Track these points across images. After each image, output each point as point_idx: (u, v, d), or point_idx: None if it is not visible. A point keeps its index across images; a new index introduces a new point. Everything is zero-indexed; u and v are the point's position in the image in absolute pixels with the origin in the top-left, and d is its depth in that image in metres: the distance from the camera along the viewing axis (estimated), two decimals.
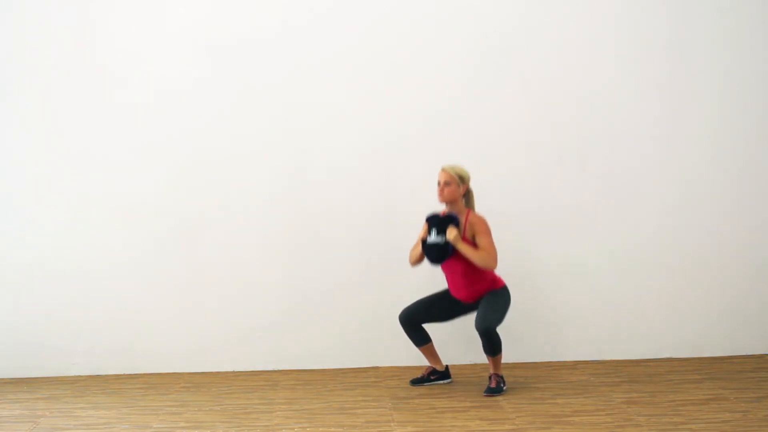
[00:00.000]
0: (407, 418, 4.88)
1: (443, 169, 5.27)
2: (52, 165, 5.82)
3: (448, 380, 5.55)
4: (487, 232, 5.22)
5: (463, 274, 5.28)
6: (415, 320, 5.42)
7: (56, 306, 5.85)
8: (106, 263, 5.85)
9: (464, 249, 5.17)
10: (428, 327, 5.52)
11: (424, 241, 5.29)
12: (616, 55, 5.88)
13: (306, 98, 5.83)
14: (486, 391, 5.23)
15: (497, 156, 5.85)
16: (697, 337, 5.98)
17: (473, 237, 5.24)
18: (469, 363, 5.90)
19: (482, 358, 5.73)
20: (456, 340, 5.76)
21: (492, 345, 5.20)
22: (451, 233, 5.17)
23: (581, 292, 5.94)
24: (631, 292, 5.95)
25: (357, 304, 5.91)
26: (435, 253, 5.25)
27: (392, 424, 4.78)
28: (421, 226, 5.67)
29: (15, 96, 5.80)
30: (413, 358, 5.85)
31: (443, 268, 5.37)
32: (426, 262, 5.35)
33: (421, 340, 5.47)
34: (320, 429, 4.73)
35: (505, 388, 5.28)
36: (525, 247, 5.89)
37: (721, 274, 5.97)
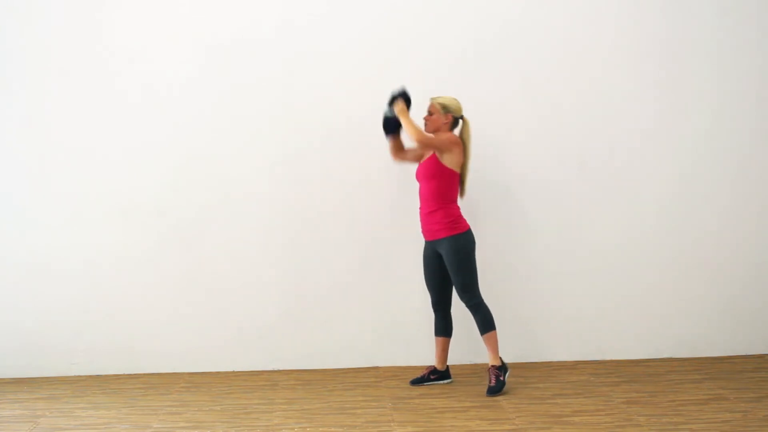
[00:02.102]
0: (407, 418, 4.88)
1: (431, 99, 5.38)
2: (51, 164, 5.81)
3: (448, 380, 5.55)
4: (445, 137, 5.27)
5: (425, 199, 5.32)
6: (440, 306, 5.45)
7: (56, 306, 5.85)
8: (106, 263, 5.85)
9: (404, 119, 5.27)
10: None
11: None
12: (615, 54, 5.87)
13: (306, 96, 5.82)
14: (488, 392, 5.22)
15: (496, 155, 5.84)
16: (697, 337, 5.98)
17: (441, 155, 5.28)
18: (469, 363, 5.90)
19: (482, 358, 5.73)
20: (456, 340, 5.75)
21: (481, 318, 5.25)
22: (397, 105, 5.31)
23: (581, 291, 5.94)
24: (631, 291, 5.95)
25: (357, 304, 5.91)
26: (384, 124, 5.40)
27: (392, 424, 4.78)
28: (419, 227, 5.68)
29: (14, 95, 5.79)
30: (413, 358, 5.85)
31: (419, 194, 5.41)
32: (386, 138, 5.48)
33: (441, 330, 5.49)
34: (320, 429, 4.73)
35: (504, 379, 5.26)
36: (524, 246, 5.88)
37: (720, 273, 5.97)
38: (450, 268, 5.28)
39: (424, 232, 5.39)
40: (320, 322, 5.91)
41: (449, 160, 5.25)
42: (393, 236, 5.86)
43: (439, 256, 5.37)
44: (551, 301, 5.93)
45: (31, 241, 5.83)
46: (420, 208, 5.40)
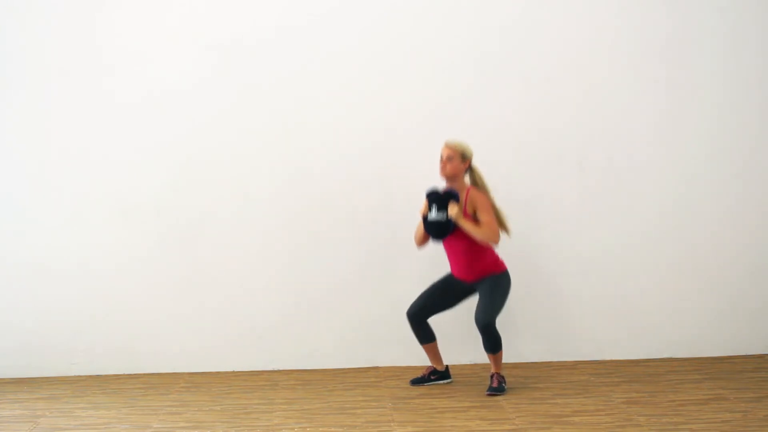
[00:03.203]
0: (407, 418, 4.88)
1: (446, 144, 5.27)
2: (51, 164, 5.81)
3: (448, 380, 5.55)
4: (488, 207, 5.21)
5: (465, 252, 5.26)
6: (422, 315, 5.41)
7: (56, 306, 5.85)
8: (106, 263, 5.85)
9: (466, 225, 5.15)
10: (435, 324, 5.49)
11: (425, 218, 5.27)
12: (616, 54, 5.87)
13: (305, 98, 5.83)
14: (488, 391, 5.23)
15: (496, 155, 5.83)
16: (697, 337, 5.98)
17: (474, 213, 5.22)
18: (469, 363, 5.90)
19: (483, 358, 5.73)
20: (456, 340, 5.76)
21: (491, 342, 5.21)
22: (453, 209, 5.15)
23: (581, 292, 5.94)
24: (631, 291, 5.95)
25: (357, 304, 5.91)
26: (436, 230, 5.23)
27: (392, 424, 4.78)
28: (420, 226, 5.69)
29: (14, 95, 5.79)
30: (413, 358, 5.85)
31: (445, 246, 5.35)
32: (431, 241, 5.34)
33: (425, 337, 5.47)
34: (320, 429, 4.73)
35: (505, 386, 5.28)
36: (524, 246, 5.88)
37: (721, 274, 5.97)
38: (484, 295, 5.24)
39: (465, 276, 5.32)
40: (320, 322, 5.91)
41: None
42: (393, 236, 5.86)
43: (470, 290, 5.37)
44: (551, 301, 5.93)
45: (31, 241, 5.83)
46: (453, 260, 5.33)
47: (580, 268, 5.93)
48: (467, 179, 5.35)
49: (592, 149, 5.89)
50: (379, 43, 5.83)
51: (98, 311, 5.86)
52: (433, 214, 5.22)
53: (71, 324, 5.86)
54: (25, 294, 5.84)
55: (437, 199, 5.22)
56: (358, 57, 5.83)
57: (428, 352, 5.51)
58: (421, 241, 5.41)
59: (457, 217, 5.15)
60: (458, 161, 5.24)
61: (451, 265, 5.41)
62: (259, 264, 5.89)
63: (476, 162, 5.38)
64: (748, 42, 5.89)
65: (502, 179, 5.84)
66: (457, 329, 5.72)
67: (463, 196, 5.25)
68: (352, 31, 5.82)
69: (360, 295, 5.90)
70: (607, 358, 5.96)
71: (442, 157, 5.27)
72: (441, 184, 5.38)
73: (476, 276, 5.30)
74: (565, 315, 5.94)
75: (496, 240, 5.17)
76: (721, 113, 5.92)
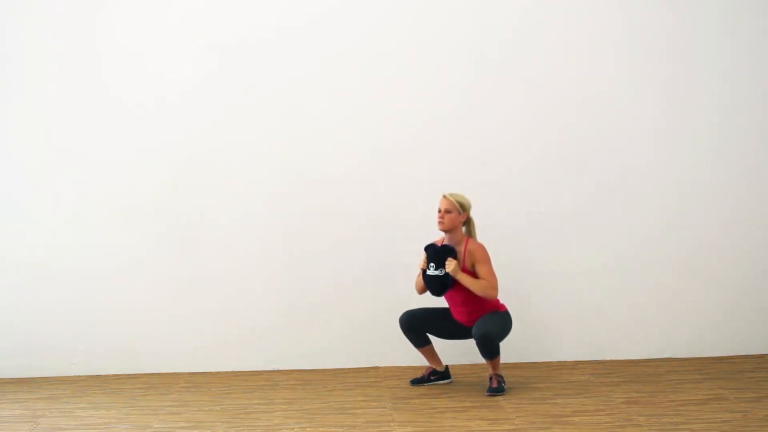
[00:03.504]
0: (407, 418, 4.88)
1: (444, 196, 5.25)
2: (51, 164, 5.81)
3: (448, 380, 5.55)
4: (487, 260, 5.22)
5: (464, 303, 5.29)
6: (416, 325, 5.42)
7: (56, 306, 5.85)
8: (106, 263, 5.85)
9: (464, 280, 5.16)
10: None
11: (424, 272, 5.31)
12: (617, 56, 5.87)
13: (306, 98, 5.83)
14: (488, 391, 5.23)
15: (498, 157, 5.85)
16: (697, 337, 5.98)
17: (473, 266, 5.23)
18: (469, 363, 5.90)
19: (482, 358, 5.72)
20: (456, 340, 5.75)
21: (489, 348, 5.20)
22: (450, 265, 5.17)
23: (581, 292, 5.94)
24: (631, 292, 5.95)
25: (357, 304, 5.91)
26: (435, 285, 5.27)
27: (392, 424, 4.78)
28: (420, 227, 5.70)
29: (14, 95, 5.79)
30: (413, 358, 5.85)
31: (446, 296, 5.37)
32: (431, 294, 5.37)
33: (420, 342, 5.48)
34: (320, 429, 4.73)
35: (505, 386, 5.28)
36: (525, 247, 5.89)
37: (721, 274, 5.97)
38: (487, 317, 5.24)
39: (466, 322, 5.33)
40: (320, 322, 5.92)
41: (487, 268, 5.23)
42: (393, 236, 5.86)
43: (468, 332, 5.36)
44: (551, 301, 5.94)
45: (31, 241, 5.83)
46: (453, 308, 5.35)
47: (581, 269, 5.93)
48: (464, 231, 5.35)
49: (593, 150, 5.89)
50: (379, 43, 5.83)
51: (98, 311, 5.86)
52: (432, 270, 5.25)
53: (71, 324, 5.86)
54: (25, 294, 5.84)
55: (435, 254, 5.25)
56: (358, 57, 5.83)
57: (425, 354, 5.51)
58: (422, 291, 5.43)
59: (455, 272, 5.16)
60: (456, 213, 5.23)
61: (451, 310, 5.42)
62: (259, 264, 5.89)
63: (473, 213, 5.39)
64: (748, 42, 5.89)
65: (502, 179, 5.86)
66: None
67: (461, 249, 5.25)
68: (353, 31, 5.82)
69: (360, 295, 5.90)
70: (607, 358, 5.96)
71: (440, 210, 5.25)
72: (438, 234, 5.43)
73: (475, 321, 5.29)
74: (565, 315, 5.94)
75: (495, 295, 5.18)
76: (722, 114, 5.91)
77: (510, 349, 5.71)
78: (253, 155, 5.84)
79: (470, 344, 5.76)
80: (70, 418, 5.03)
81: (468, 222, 5.34)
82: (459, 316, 5.37)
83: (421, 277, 5.38)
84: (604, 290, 5.94)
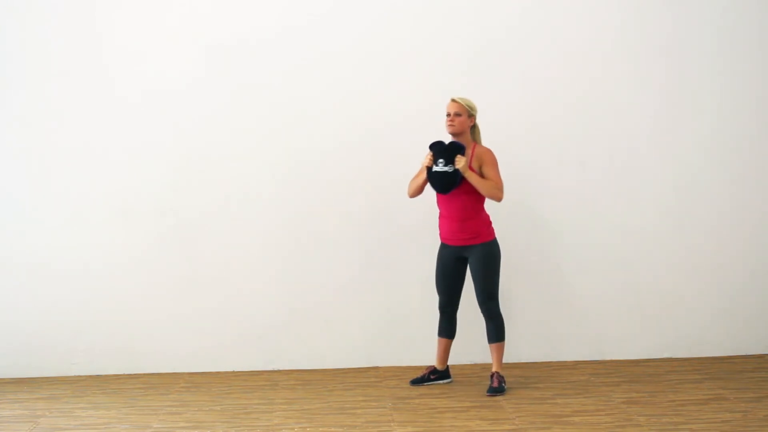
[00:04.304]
0: (407, 418, 4.88)
1: (453, 100, 5.24)
2: (51, 164, 5.81)
3: (448, 380, 5.55)
4: (495, 163, 5.22)
5: (462, 209, 5.21)
6: (454, 308, 5.41)
7: (56, 306, 5.85)
8: (106, 263, 5.84)
9: (472, 178, 5.13)
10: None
11: (429, 169, 5.22)
12: (616, 54, 5.87)
13: (305, 97, 5.83)
14: (489, 391, 5.23)
15: (496, 153, 5.83)
16: (697, 337, 5.98)
17: (480, 168, 5.21)
18: (469, 363, 5.90)
19: (482, 358, 5.73)
20: (456, 339, 5.74)
21: (496, 328, 5.24)
22: (460, 162, 5.12)
23: (581, 291, 5.94)
24: (631, 292, 5.95)
25: (357, 304, 5.91)
26: (443, 181, 5.16)
27: (392, 424, 4.78)
28: (421, 227, 5.69)
29: (14, 95, 5.79)
30: (413, 358, 5.85)
31: (440, 203, 5.30)
32: (436, 191, 5.26)
33: (448, 332, 5.46)
34: (320, 429, 4.73)
35: (505, 386, 5.28)
36: (524, 246, 5.88)
37: (720, 274, 5.97)
38: (477, 273, 5.25)
39: (453, 239, 5.29)
40: (320, 322, 5.91)
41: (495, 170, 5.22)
42: (393, 236, 5.86)
43: (463, 262, 5.34)
44: (551, 301, 5.93)
45: (31, 241, 5.82)
46: (447, 216, 5.29)
47: (580, 268, 5.93)
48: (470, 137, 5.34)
49: (593, 148, 5.89)
50: (378, 42, 5.83)
51: (98, 311, 5.86)
52: (440, 166, 5.17)
53: (71, 324, 5.85)
54: (25, 294, 5.84)
55: (443, 150, 5.18)
56: (358, 57, 5.82)
57: (440, 346, 5.50)
58: (415, 193, 5.36)
59: (464, 170, 5.12)
60: (465, 116, 5.23)
61: (442, 225, 5.34)
62: (259, 264, 5.89)
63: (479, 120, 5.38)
64: (748, 42, 5.89)
65: (502, 179, 5.85)
66: (456, 330, 5.71)
67: (469, 151, 5.23)
68: (352, 31, 5.82)
69: (360, 295, 5.90)
70: (607, 358, 5.96)
71: (449, 113, 5.24)
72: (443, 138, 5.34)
73: (467, 236, 5.25)
74: (565, 315, 5.94)
75: (501, 196, 5.17)
76: (721, 113, 5.92)
77: (510, 349, 5.70)
78: (253, 155, 5.84)
79: (471, 344, 5.77)
80: (70, 418, 5.03)
81: (474, 127, 5.32)
82: (451, 229, 5.26)
83: (417, 178, 5.31)
84: (604, 290, 5.94)
